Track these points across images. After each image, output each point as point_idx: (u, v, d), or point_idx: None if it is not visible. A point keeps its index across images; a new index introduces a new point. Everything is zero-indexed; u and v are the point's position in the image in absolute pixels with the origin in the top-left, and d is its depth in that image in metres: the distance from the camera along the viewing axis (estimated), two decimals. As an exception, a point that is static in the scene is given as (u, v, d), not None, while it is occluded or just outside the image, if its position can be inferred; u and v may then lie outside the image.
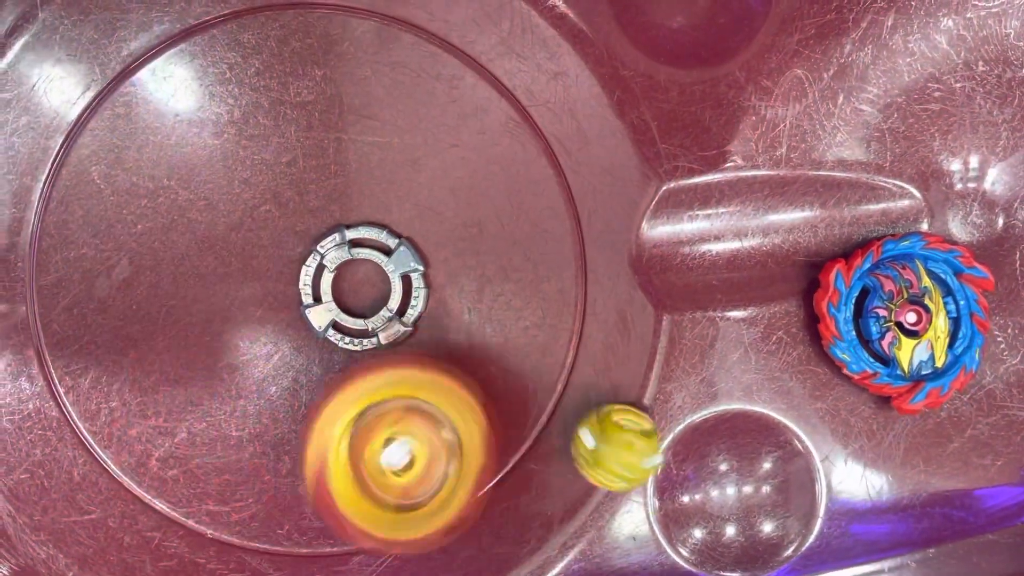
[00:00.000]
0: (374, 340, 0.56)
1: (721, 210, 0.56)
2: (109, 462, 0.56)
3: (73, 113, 0.55)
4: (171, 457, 0.56)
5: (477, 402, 0.49)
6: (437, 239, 0.57)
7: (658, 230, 0.57)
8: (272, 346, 0.57)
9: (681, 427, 0.57)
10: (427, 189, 0.57)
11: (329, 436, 0.48)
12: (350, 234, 0.56)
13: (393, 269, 0.56)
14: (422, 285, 0.56)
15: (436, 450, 0.48)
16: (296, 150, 0.56)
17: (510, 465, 0.57)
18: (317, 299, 0.56)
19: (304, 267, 0.56)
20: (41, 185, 0.55)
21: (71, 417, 0.56)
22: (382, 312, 0.56)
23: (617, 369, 0.57)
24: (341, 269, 0.57)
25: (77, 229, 0.55)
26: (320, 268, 0.56)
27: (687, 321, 0.58)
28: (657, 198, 0.57)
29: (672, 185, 0.56)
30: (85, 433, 0.56)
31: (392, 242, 0.56)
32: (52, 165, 0.55)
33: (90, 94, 0.55)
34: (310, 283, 0.56)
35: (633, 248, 0.57)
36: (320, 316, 0.56)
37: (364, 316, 0.57)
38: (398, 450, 0.48)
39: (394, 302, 0.56)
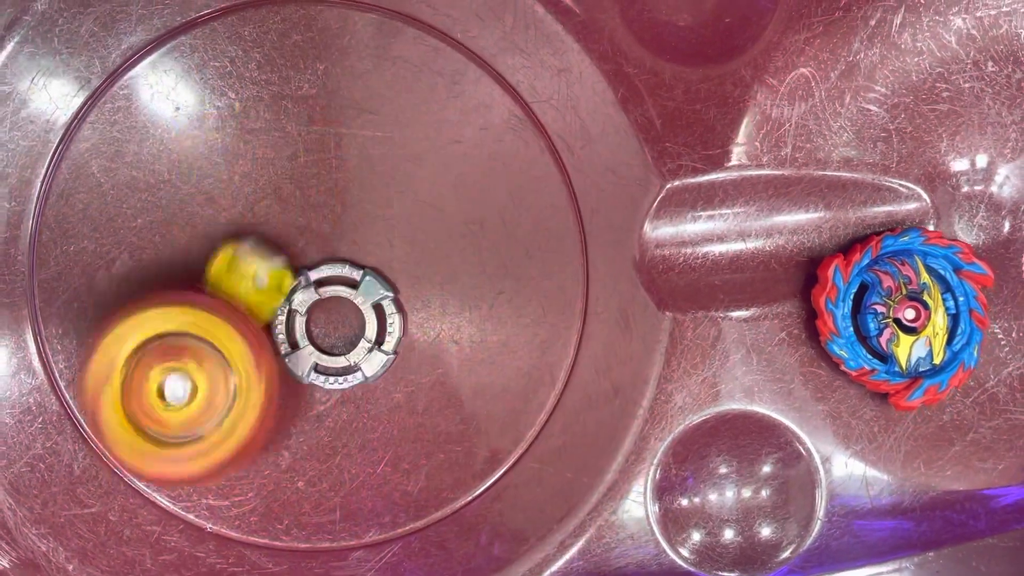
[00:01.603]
0: (359, 375, 0.57)
1: (725, 210, 0.56)
2: (109, 456, 0.56)
3: (72, 107, 0.55)
4: None
5: (251, 337, 0.49)
6: (438, 235, 0.57)
7: (661, 230, 0.56)
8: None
9: (681, 428, 0.57)
10: (428, 185, 0.56)
11: (105, 374, 0.48)
12: (313, 275, 0.56)
13: (363, 300, 0.56)
14: (395, 310, 0.56)
15: (215, 381, 0.48)
16: (297, 144, 0.56)
17: (509, 463, 0.58)
18: (294, 345, 0.57)
19: (277, 316, 0.56)
20: (40, 179, 0.55)
21: (72, 411, 0.56)
22: (360, 345, 0.56)
23: (618, 368, 0.57)
24: (312, 311, 0.57)
25: (77, 223, 0.55)
26: (291, 314, 0.56)
27: (689, 321, 0.57)
28: (660, 197, 0.56)
29: (676, 184, 0.56)
30: (85, 427, 0.56)
31: (356, 274, 0.56)
32: (51, 159, 0.55)
33: (89, 88, 0.55)
34: (283, 330, 0.56)
35: (636, 247, 0.56)
36: (301, 362, 0.56)
37: (344, 353, 0.57)
38: (178, 383, 0.48)
39: (371, 332, 0.56)
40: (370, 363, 0.56)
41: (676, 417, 0.57)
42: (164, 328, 0.48)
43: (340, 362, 0.56)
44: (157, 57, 0.55)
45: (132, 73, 0.55)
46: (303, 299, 0.56)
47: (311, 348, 0.56)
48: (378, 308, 0.57)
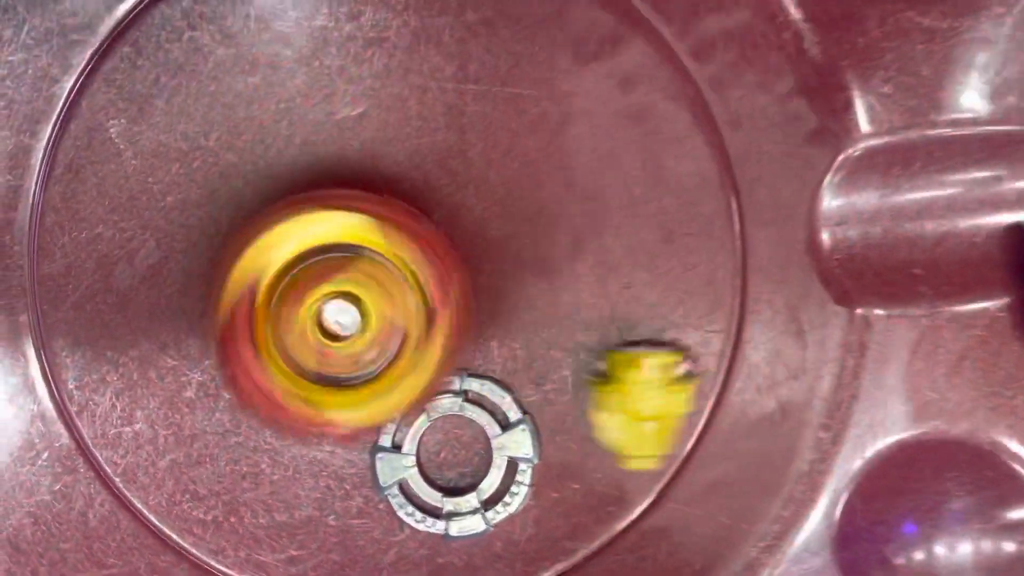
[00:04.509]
0: (441, 526, 0.52)
1: (928, 177, 0.50)
2: (134, 501, 0.52)
3: (85, 51, 0.50)
4: (212, 496, 0.52)
5: (430, 242, 0.46)
6: (545, 213, 0.52)
7: (843, 203, 0.51)
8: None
9: (871, 458, 0.51)
10: (533, 145, 0.51)
11: (244, 305, 0.44)
12: (468, 384, 0.52)
13: (501, 447, 0.52)
14: (527, 482, 0.52)
15: (390, 304, 0.44)
16: (369, 100, 0.50)
17: (643, 505, 0.52)
18: (396, 446, 0.52)
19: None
20: (43, 144, 0.51)
21: (85, 444, 0.52)
22: (468, 496, 0.52)
23: (786, 384, 0.52)
24: (441, 419, 0.52)
25: (89, 202, 0.51)
26: (419, 411, 0.52)
27: (880, 321, 0.52)
28: (843, 161, 0.51)
29: (864, 145, 0.51)
30: (103, 464, 0.52)
31: (513, 414, 0.52)
32: (57, 119, 0.50)
33: (107, 27, 0.50)
34: (396, 422, 0.51)
35: (810, 226, 0.52)
36: (390, 469, 0.51)
37: (443, 489, 0.52)
38: (342, 310, 0.44)
39: (488, 488, 0.52)
40: (462, 524, 0.52)
41: (864, 445, 0.52)
42: (318, 241, 0.44)
43: (433, 498, 0.52)
44: (196, -20, 0.51)
45: (162, 6, 0.50)
46: (442, 404, 0.52)
47: (413, 459, 0.52)
48: (511, 466, 0.52)
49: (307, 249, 0.44)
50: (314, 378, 0.44)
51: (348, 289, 0.44)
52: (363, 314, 0.44)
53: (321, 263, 0.44)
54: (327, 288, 0.44)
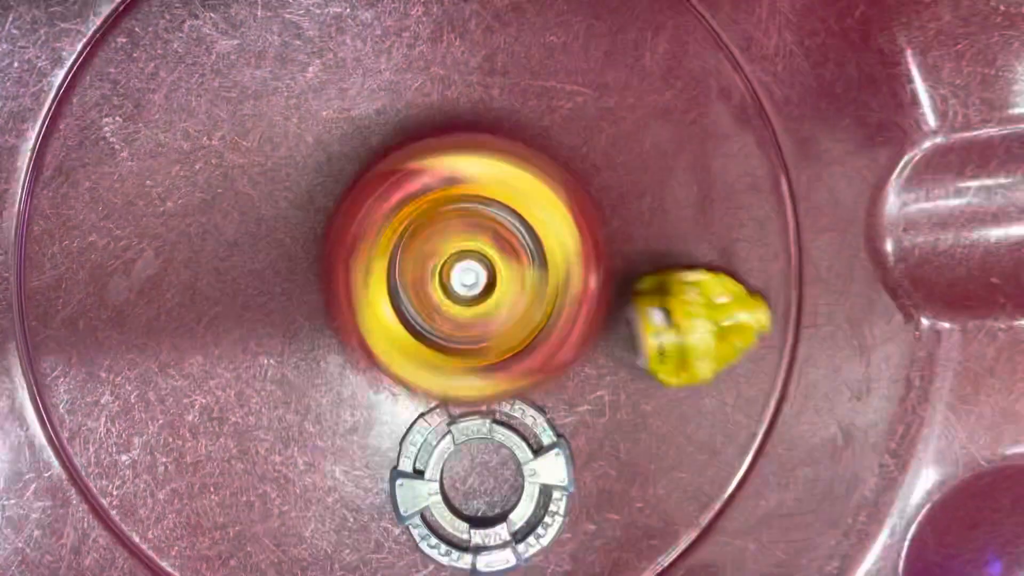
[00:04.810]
0: (468, 560, 0.50)
1: (1005, 178, 0.48)
2: (132, 535, 0.50)
3: (77, 42, 0.49)
4: (217, 529, 0.50)
5: (573, 199, 0.43)
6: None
7: (912, 205, 0.50)
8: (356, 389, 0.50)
9: (941, 484, 0.49)
10: (566, 144, 0.49)
11: (366, 257, 0.42)
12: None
13: (533, 473, 0.50)
14: (562, 512, 0.50)
15: (520, 265, 0.43)
16: (388, 95, 0.49)
17: (691, 538, 0.50)
18: (419, 471, 0.50)
19: (422, 420, 0.50)
20: (31, 145, 0.49)
21: (78, 474, 0.50)
22: (498, 528, 0.50)
23: (848, 404, 0.50)
24: (468, 445, 0.51)
25: (82, 208, 0.50)
26: (443, 433, 0.50)
27: (952, 335, 0.51)
28: (911, 160, 0.50)
29: (933, 142, 0.50)
30: (97, 496, 0.50)
31: (546, 438, 0.50)
32: (46, 117, 0.49)
33: (100, 15, 0.49)
34: (418, 445, 0.49)
35: (872, 232, 0.50)
36: (411, 497, 0.50)
37: (470, 520, 0.50)
38: (468, 269, 0.43)
39: (519, 519, 0.50)
40: (489, 558, 0.49)
41: (934, 472, 0.50)
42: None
43: (459, 531, 0.50)
44: (196, -33, 0.49)
45: (158, -8, 0.49)
46: (469, 428, 0.50)
47: (436, 487, 0.50)
48: (544, 494, 0.50)
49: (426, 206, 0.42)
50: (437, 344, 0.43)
51: (471, 246, 0.42)
52: (488, 273, 0.42)
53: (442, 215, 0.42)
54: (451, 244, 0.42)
